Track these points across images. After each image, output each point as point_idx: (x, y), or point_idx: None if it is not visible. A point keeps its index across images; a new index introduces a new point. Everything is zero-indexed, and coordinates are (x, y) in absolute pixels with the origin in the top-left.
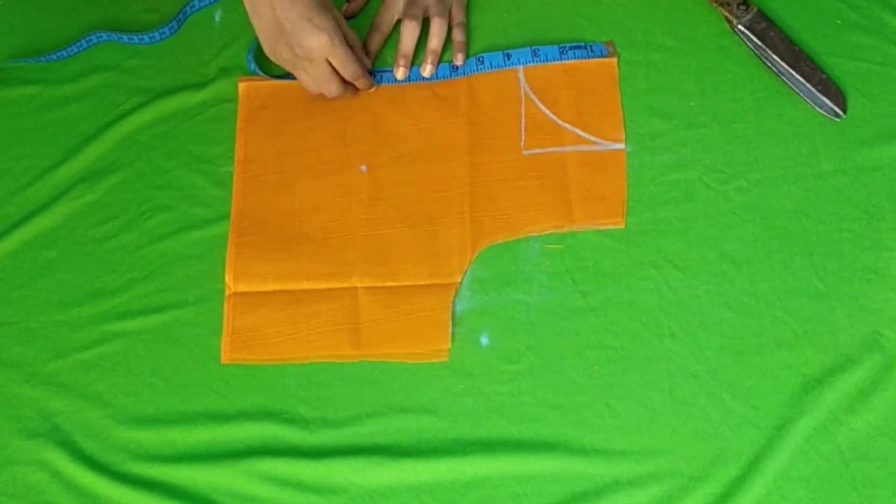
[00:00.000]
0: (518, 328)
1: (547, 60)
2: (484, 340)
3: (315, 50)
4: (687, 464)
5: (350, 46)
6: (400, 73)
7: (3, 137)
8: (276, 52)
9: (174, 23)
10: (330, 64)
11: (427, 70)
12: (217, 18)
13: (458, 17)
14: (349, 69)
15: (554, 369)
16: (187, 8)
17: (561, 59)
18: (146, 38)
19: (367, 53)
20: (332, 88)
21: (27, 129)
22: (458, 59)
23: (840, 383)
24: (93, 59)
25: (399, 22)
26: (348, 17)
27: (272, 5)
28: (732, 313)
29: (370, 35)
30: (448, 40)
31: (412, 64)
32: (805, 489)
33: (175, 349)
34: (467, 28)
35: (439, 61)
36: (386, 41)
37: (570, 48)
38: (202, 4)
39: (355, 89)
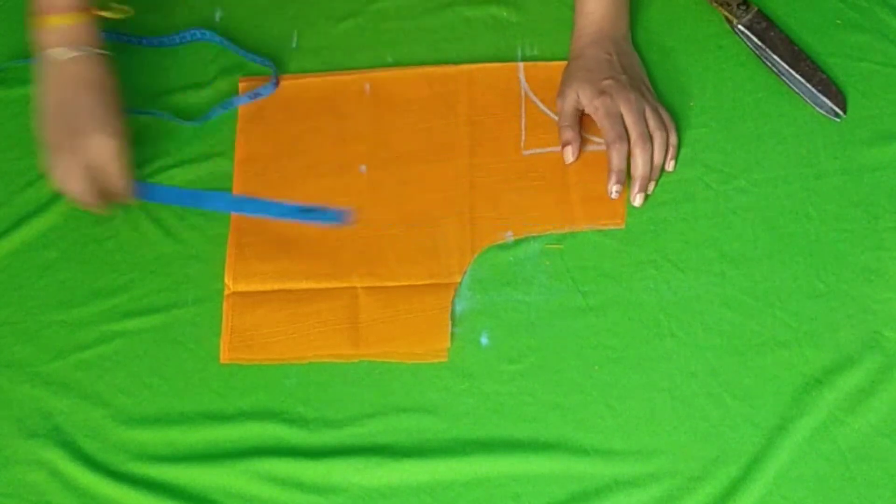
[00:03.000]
0: (518, 328)
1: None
2: (484, 340)
3: (103, 152)
4: (687, 464)
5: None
6: (638, 201)
7: (3, 137)
8: (47, 132)
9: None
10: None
11: (638, 200)
12: (217, 18)
13: (667, 116)
14: (119, 183)
15: (554, 369)
16: (213, 111)
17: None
18: (144, 40)
19: (621, 170)
20: (84, 202)
21: (27, 129)
22: (670, 166)
23: (840, 383)
24: None
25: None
26: None
27: (75, 89)
28: (732, 313)
29: (615, 148)
30: None
31: None
32: (805, 489)
33: (175, 349)
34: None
35: None
36: None
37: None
38: (225, 109)
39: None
